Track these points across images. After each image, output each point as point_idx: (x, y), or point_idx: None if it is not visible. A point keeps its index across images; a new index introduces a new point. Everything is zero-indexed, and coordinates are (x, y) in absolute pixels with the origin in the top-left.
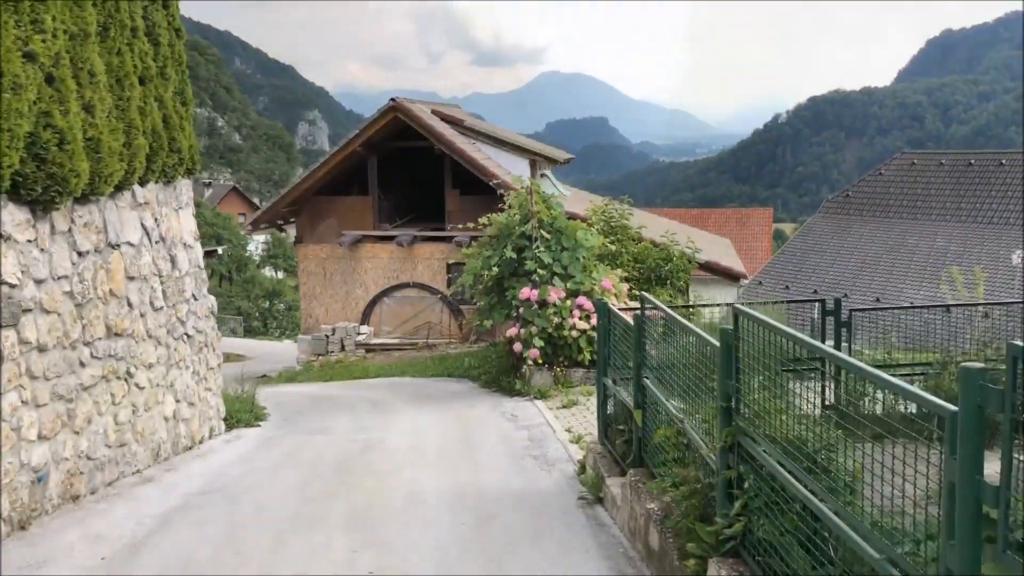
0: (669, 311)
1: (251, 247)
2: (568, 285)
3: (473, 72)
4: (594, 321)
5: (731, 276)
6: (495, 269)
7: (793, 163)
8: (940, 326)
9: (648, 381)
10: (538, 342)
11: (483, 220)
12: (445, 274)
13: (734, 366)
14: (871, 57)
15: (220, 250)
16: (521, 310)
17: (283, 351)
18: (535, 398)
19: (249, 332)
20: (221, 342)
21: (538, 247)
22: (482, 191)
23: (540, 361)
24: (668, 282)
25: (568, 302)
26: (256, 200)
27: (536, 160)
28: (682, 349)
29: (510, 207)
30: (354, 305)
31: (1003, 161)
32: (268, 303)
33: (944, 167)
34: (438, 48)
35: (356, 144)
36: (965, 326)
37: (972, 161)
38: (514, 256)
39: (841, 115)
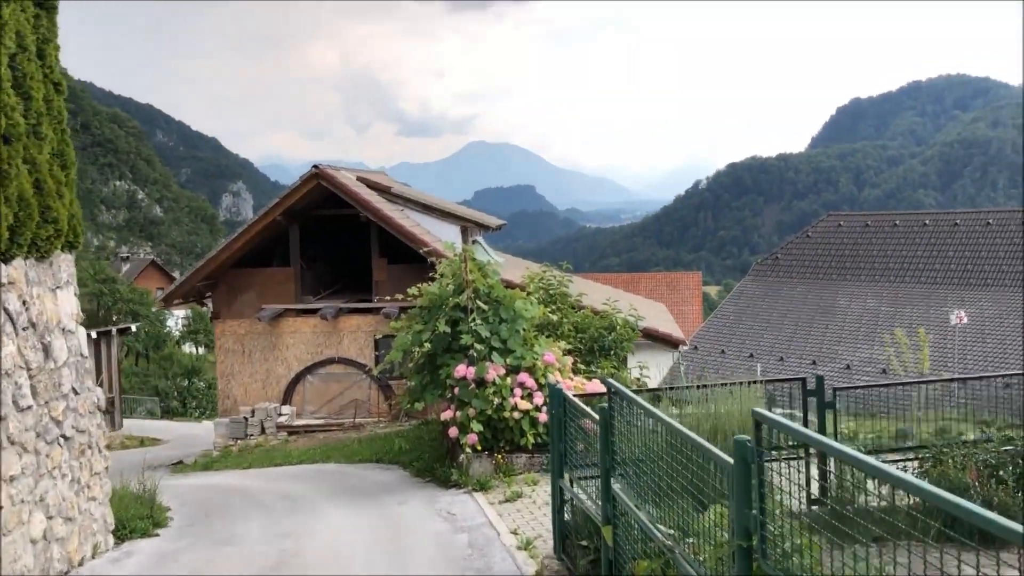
0: (651, 409)
1: (171, 323)
2: (508, 360)
3: (400, 142)
4: (537, 400)
5: (670, 343)
6: (427, 345)
7: (715, 227)
8: (930, 398)
9: (619, 489)
10: (476, 426)
11: (412, 291)
12: (373, 348)
13: (757, 491)
14: (785, 124)
15: (135, 327)
16: (456, 390)
17: (202, 433)
18: (474, 490)
19: (167, 413)
20: (139, 424)
21: (474, 319)
22: (412, 259)
23: (479, 447)
24: (612, 352)
25: (508, 380)
26: (176, 274)
27: (467, 226)
28: (669, 450)
29: (442, 276)
30: (275, 384)
31: (926, 221)
32: (187, 382)
33: (870, 228)
34: (365, 119)
35: (277, 213)
36: (944, 397)
37: (897, 222)
38: (447, 330)
39: (759, 180)
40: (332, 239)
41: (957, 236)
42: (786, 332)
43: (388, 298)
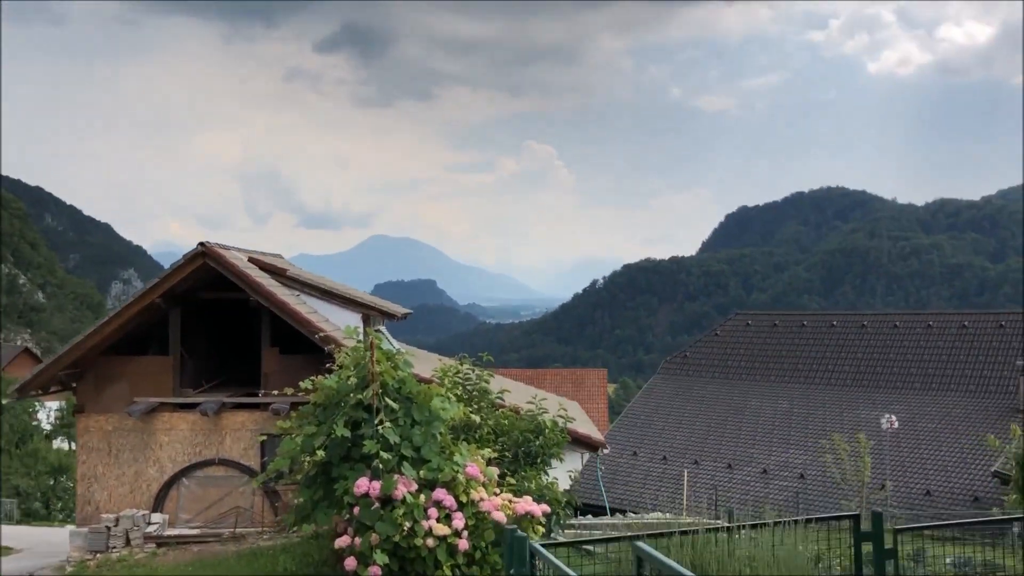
0: None
1: (41, 415)
2: (422, 473)
3: (300, 233)
4: (457, 523)
5: (591, 446)
6: (320, 453)
7: (611, 325)
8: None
9: None
10: (380, 557)
11: (305, 384)
12: (259, 450)
13: None
14: (678, 228)
15: None
16: (357, 510)
17: (63, 540)
18: None
19: (28, 516)
20: None
21: (381, 421)
22: (308, 350)
23: None
24: (539, 459)
25: (422, 497)
26: None
27: (370, 314)
28: None
29: (342, 368)
30: (145, 488)
31: (834, 323)
32: (53, 480)
33: (778, 328)
34: (264, 209)
35: (156, 295)
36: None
37: (804, 323)
38: (347, 434)
39: (653, 281)
40: (218, 326)
41: (865, 338)
42: (699, 433)
43: (277, 392)
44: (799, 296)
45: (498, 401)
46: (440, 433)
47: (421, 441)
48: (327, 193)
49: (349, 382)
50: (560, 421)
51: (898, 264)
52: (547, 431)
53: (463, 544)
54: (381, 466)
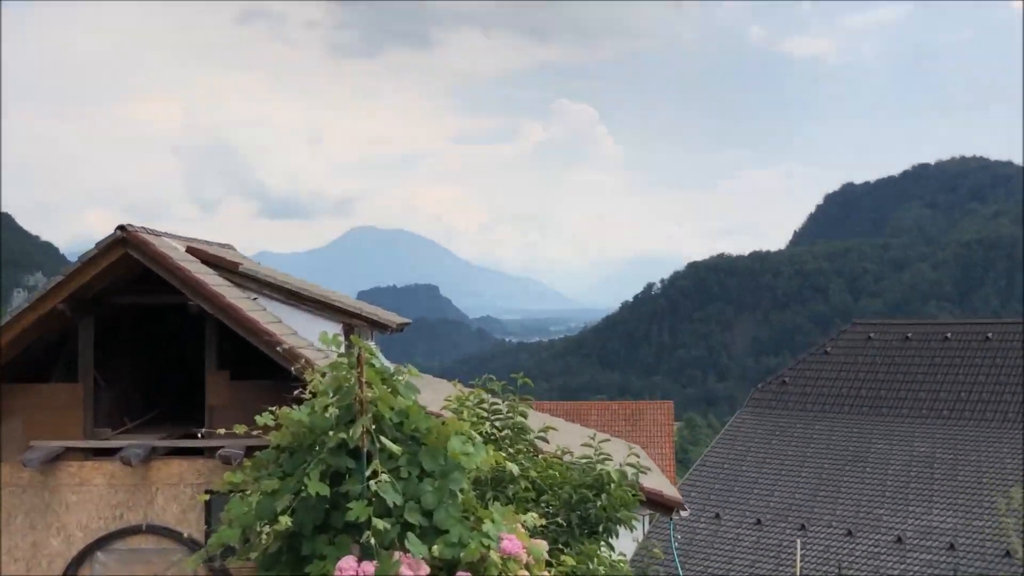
0: None
1: None
2: (437, 550)
3: (261, 226)
4: None
5: (663, 506)
6: (285, 519)
7: (671, 344)
8: None
9: None
10: None
11: (264, 419)
12: (204, 512)
13: None
14: (761, 214)
15: None
16: None
17: None
18: None
19: None
20: None
21: (375, 472)
22: (269, 373)
23: None
24: (601, 527)
25: None
26: None
27: (354, 325)
28: None
29: (315, 396)
30: (46, 566)
31: (990, 335)
32: None
33: (911, 343)
34: (213, 193)
35: (59, 298)
36: None
37: (948, 335)
38: (324, 491)
39: (728, 285)
40: (147, 342)
41: None
42: (805, 488)
43: (226, 430)
44: (924, 303)
45: (540, 443)
46: (462, 490)
47: (434, 502)
48: (295, 172)
49: (327, 414)
50: (630, 471)
51: None
52: (612, 487)
53: None
54: (375, 540)
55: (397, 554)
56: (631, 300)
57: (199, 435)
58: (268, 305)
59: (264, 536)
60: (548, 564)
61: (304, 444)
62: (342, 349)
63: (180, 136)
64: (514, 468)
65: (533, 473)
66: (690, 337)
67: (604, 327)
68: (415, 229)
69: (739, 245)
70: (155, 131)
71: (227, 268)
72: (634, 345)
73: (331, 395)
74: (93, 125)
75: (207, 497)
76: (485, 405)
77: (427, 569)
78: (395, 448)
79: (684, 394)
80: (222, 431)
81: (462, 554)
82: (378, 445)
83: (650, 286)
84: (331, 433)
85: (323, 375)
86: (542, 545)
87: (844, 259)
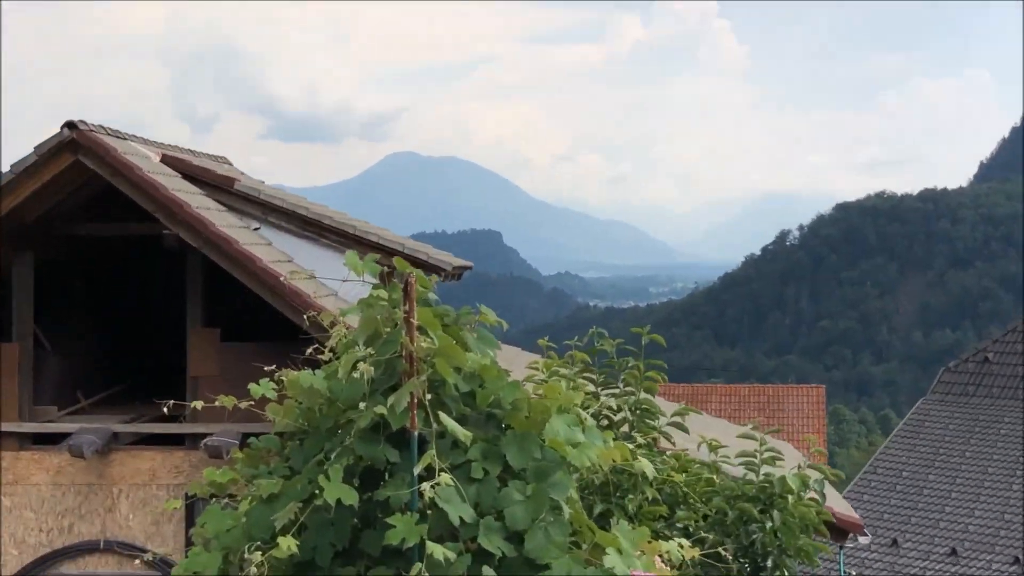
0: None
1: None
2: None
3: (270, 151)
4: None
5: (837, 530)
6: (288, 542)
7: (813, 311)
8: None
9: None
10: None
11: (261, 389)
12: (182, 522)
13: None
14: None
15: None
16: None
17: None
18: None
19: None
20: None
21: (431, 468)
22: (274, 334)
23: None
24: (770, 560)
25: None
26: None
27: (394, 282)
28: None
29: (335, 357)
30: None
31: None
32: None
33: None
34: (208, 109)
35: None
36: None
37: None
38: (351, 498)
39: (888, 234)
40: (109, 289)
41: None
42: (1019, 505)
43: (217, 402)
44: None
45: (673, 434)
46: (569, 500)
47: (526, 519)
48: (314, 83)
49: (357, 376)
50: (813, 478)
51: None
52: (790, 501)
53: None
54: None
55: None
56: (757, 253)
57: (165, 409)
58: (275, 238)
59: (256, 567)
60: None
61: (321, 426)
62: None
63: (165, 38)
64: (648, 468)
65: (679, 477)
66: (837, 303)
67: (721, 288)
68: (470, 157)
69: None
70: (136, 33)
71: (218, 186)
72: (761, 313)
73: (362, 346)
74: (62, 28)
75: (175, 505)
76: (592, 375)
77: None
78: (463, 432)
79: (828, 378)
80: (198, 404)
81: None
82: (436, 426)
83: (783, 235)
84: (362, 406)
85: (356, 315)
86: None
87: None
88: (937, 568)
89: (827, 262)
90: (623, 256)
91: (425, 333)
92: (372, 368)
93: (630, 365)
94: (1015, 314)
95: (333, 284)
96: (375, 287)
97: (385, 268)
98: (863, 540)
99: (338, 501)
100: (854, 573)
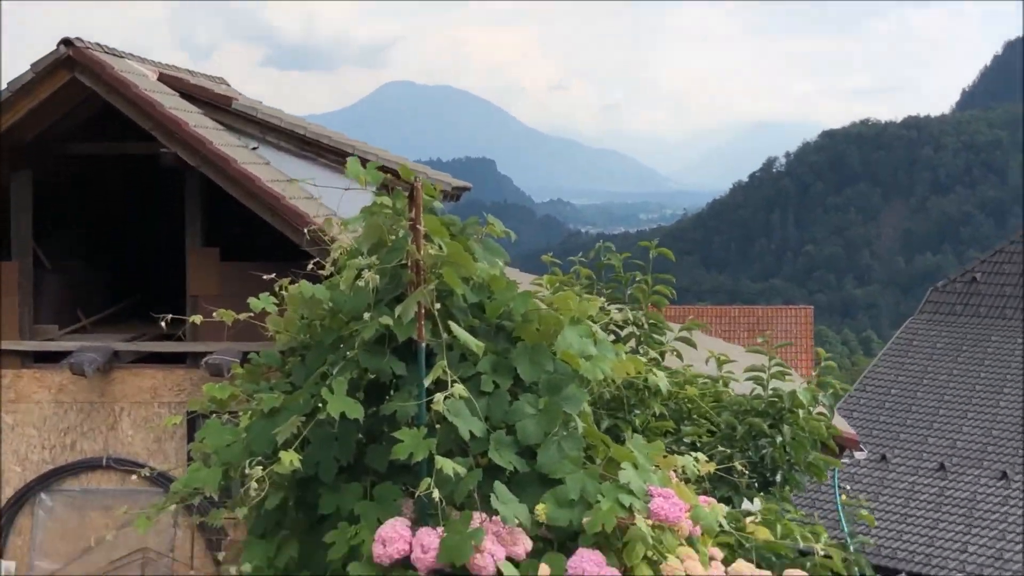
0: None
1: None
2: (544, 511)
3: (268, 79)
4: None
5: (839, 447)
6: (291, 457)
7: (798, 238)
8: None
9: None
10: None
11: (260, 303)
12: (184, 439)
13: None
14: (918, 68)
15: None
16: None
17: None
18: None
19: None
20: None
21: (440, 381)
22: (274, 254)
23: None
24: (779, 475)
25: (542, 568)
26: None
27: (398, 189)
28: None
29: (345, 256)
30: None
31: None
32: None
33: None
34: (207, 37)
35: None
36: None
37: None
38: (356, 412)
39: (873, 160)
40: (109, 210)
41: None
42: (1005, 423)
43: (215, 315)
44: None
45: (672, 352)
46: (582, 414)
47: (539, 433)
48: (311, 11)
49: (361, 287)
50: (823, 399)
51: None
52: (801, 415)
53: None
54: (440, 493)
55: (477, 516)
56: (745, 180)
57: (163, 323)
58: (273, 158)
59: (256, 482)
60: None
61: (324, 339)
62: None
63: None
64: (662, 381)
65: (692, 391)
66: (822, 229)
67: (709, 215)
68: (465, 86)
69: (889, 108)
70: None
71: (216, 105)
72: (748, 238)
73: (366, 254)
74: None
75: (178, 420)
76: (601, 287)
77: (528, 544)
78: (475, 343)
79: (812, 301)
80: (197, 319)
81: (586, 520)
82: (446, 337)
83: (770, 162)
84: (367, 317)
85: (361, 224)
86: (718, 508)
87: None
88: (925, 483)
89: (813, 189)
90: (614, 184)
91: (432, 241)
92: (377, 277)
93: (637, 279)
94: (995, 238)
95: (333, 205)
96: (377, 193)
97: (387, 177)
98: (859, 455)
99: (342, 415)
100: (848, 487)
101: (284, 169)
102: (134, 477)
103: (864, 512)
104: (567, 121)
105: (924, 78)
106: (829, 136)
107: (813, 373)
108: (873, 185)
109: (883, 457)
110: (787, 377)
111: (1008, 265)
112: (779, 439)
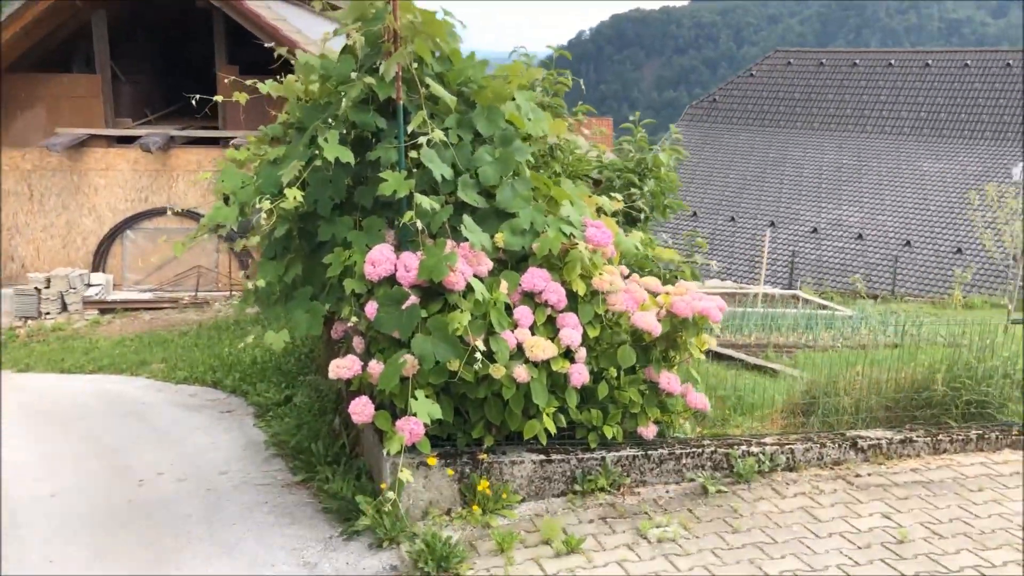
0: None
1: None
2: (502, 238)
3: None
4: (568, 336)
5: None
6: (294, 193)
7: (596, 80)
8: None
9: None
10: (423, 404)
11: (268, 86)
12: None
13: None
14: None
15: None
16: (370, 308)
17: None
18: (418, 564)
19: None
20: None
21: (420, 129)
22: (284, 70)
23: (427, 450)
24: (644, 217)
25: (503, 287)
26: None
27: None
28: None
29: (337, 32)
30: (81, 242)
31: (892, 61)
32: None
33: (824, 68)
34: None
35: None
36: None
37: (857, 61)
38: (347, 157)
39: (642, 33)
40: (164, 38)
41: (928, 79)
42: (733, 187)
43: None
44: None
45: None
46: (528, 162)
47: (495, 176)
48: None
49: (347, 56)
50: (672, 158)
51: (896, 18)
52: (660, 174)
53: (578, 375)
54: (420, 223)
55: (449, 243)
56: (565, 44)
57: (193, 102)
58: (278, 8)
59: (266, 214)
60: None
61: (320, 103)
62: None
63: None
64: (582, 140)
65: (601, 148)
66: (610, 75)
67: (543, 67)
68: None
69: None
70: None
71: None
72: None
73: (355, 34)
74: None
75: (208, 175)
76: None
77: (489, 264)
78: (447, 96)
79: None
80: (219, 98)
81: (536, 244)
82: (424, 90)
83: (580, 33)
84: (354, 77)
85: (350, 11)
86: (636, 236)
87: (733, 14)
88: (684, 223)
89: (605, 51)
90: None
91: (409, 14)
92: (363, 38)
93: (547, 72)
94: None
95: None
96: None
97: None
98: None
99: (336, 160)
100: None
101: (283, 16)
102: (169, 212)
103: (700, 240)
104: None
105: None
106: (616, 18)
107: (666, 144)
108: (640, 49)
109: (693, 212)
110: (650, 148)
111: (736, 91)
112: (646, 188)
